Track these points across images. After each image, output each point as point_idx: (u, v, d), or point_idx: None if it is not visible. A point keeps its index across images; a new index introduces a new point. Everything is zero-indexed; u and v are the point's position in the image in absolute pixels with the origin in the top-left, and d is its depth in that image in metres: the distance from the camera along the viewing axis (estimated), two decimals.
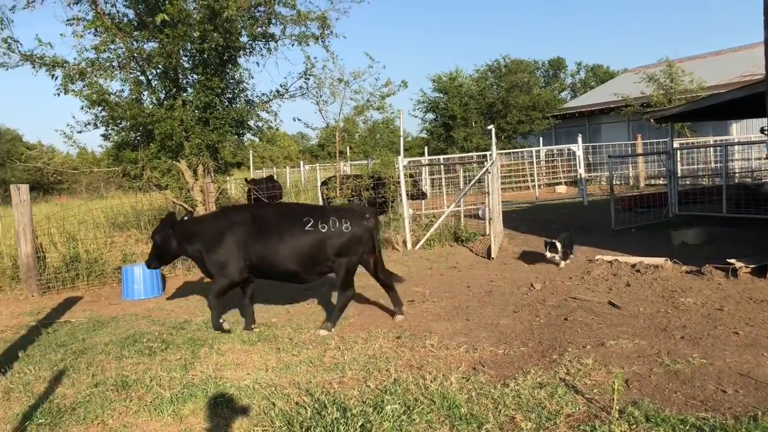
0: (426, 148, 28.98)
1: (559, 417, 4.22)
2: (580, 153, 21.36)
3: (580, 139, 21.90)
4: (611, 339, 5.92)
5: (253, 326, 7.18)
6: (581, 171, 20.98)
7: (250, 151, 30.57)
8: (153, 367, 5.91)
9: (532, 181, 24.27)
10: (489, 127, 12.78)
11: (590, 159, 24.78)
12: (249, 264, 6.98)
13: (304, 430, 4.10)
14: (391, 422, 4.12)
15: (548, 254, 9.81)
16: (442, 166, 20.10)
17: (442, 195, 18.28)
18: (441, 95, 33.22)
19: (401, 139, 14.30)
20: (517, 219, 15.80)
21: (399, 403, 4.49)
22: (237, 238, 6.94)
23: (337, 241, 6.93)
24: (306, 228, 6.90)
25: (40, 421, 4.78)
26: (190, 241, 7.22)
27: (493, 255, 11.05)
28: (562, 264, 9.82)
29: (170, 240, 7.36)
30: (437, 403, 4.52)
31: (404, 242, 12.71)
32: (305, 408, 4.52)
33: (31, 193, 10.82)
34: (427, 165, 20.71)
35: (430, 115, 34.27)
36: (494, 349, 5.89)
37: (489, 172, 12.15)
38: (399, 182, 13.03)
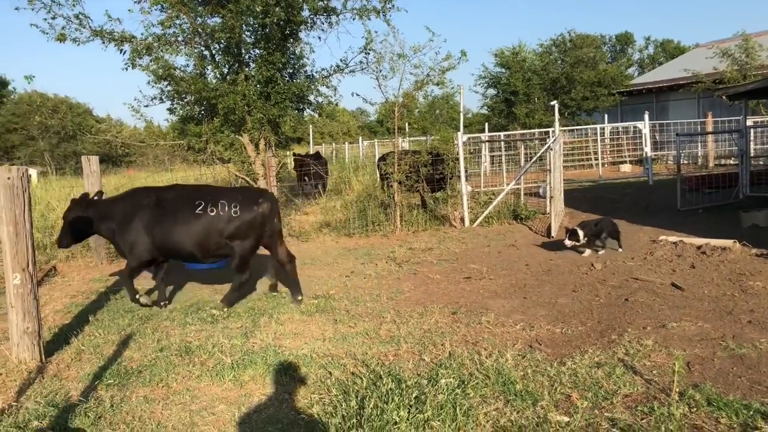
0: (486, 124, 28.59)
1: (616, 397, 4.16)
2: (646, 131, 20.67)
3: (647, 116, 21.18)
4: (673, 321, 5.77)
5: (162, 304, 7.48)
6: (647, 149, 20.32)
7: (310, 127, 30.82)
8: (215, 334, 6.09)
9: (596, 159, 23.63)
10: (552, 103, 12.51)
11: (657, 137, 23.97)
12: (154, 245, 7.12)
13: (359, 399, 4.16)
14: (445, 395, 4.14)
15: (567, 242, 9.18)
16: (502, 143, 19.82)
17: (501, 172, 18.06)
18: (503, 70, 32.62)
19: (461, 114, 14.14)
20: (578, 198, 15.48)
21: (453, 377, 4.51)
22: (143, 220, 7.08)
23: (226, 225, 6.99)
24: (196, 211, 7.00)
25: (109, 381, 5.01)
26: (104, 221, 7.32)
27: (553, 234, 10.88)
28: (587, 253, 9.25)
29: (85, 219, 7.41)
30: (492, 379, 4.51)
31: (462, 219, 12.64)
32: (361, 378, 4.59)
33: (101, 165, 11.20)
34: (487, 141, 20.45)
35: (492, 91, 33.71)
36: (551, 328, 5.83)
37: (551, 149, 11.92)
38: (458, 159, 12.92)
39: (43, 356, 5.59)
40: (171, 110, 11.87)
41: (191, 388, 4.82)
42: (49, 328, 6.58)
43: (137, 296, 7.40)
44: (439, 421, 3.81)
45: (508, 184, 13.97)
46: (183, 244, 7.06)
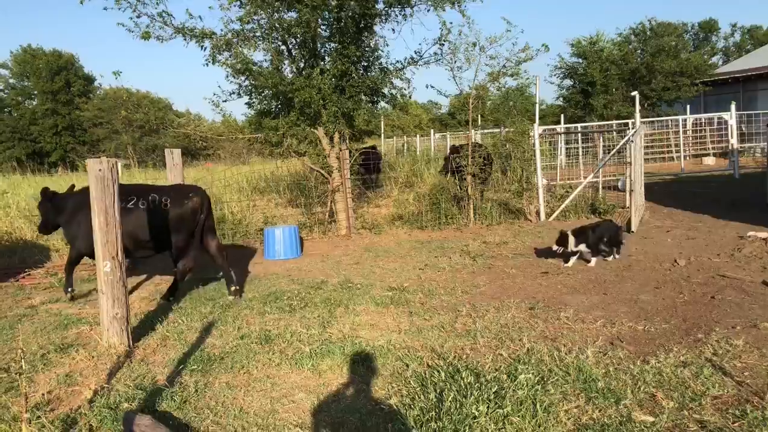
0: (562, 116, 27.95)
1: (704, 398, 4.00)
2: (732, 122, 19.74)
3: (733, 107, 20.20)
4: (765, 320, 5.49)
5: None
6: (733, 141, 19.41)
7: (381, 120, 30.93)
8: (293, 323, 6.21)
9: (677, 151, 22.76)
10: (633, 93, 12.09)
11: (744, 129, 22.85)
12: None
13: (438, 392, 4.15)
14: (525, 390, 4.08)
15: (554, 247, 8.33)
16: (579, 135, 19.33)
17: (577, 165, 17.62)
18: (580, 60, 31.79)
19: (536, 106, 13.85)
20: (659, 192, 14.95)
21: (532, 373, 4.43)
22: (85, 215, 7.16)
23: (158, 219, 7.25)
24: (128, 206, 7.19)
25: (193, 367, 5.18)
26: (59, 214, 7.75)
27: (633, 228, 10.54)
28: (593, 261, 8.34)
29: (50, 211, 7.86)
30: (572, 376, 4.42)
31: (537, 213, 12.42)
32: (438, 371, 4.58)
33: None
34: (563, 133, 19.99)
35: (568, 82, 32.92)
36: (633, 325, 5.65)
37: (632, 141, 11.54)
38: (534, 151, 12.70)
39: (130, 341, 5.83)
40: (249, 104, 12.16)
41: (271, 376, 4.93)
42: (135, 314, 6.85)
43: (70, 289, 7.82)
44: (519, 416, 3.76)
45: (585, 177, 13.62)
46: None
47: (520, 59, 12.16)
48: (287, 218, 13.30)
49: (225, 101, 11.93)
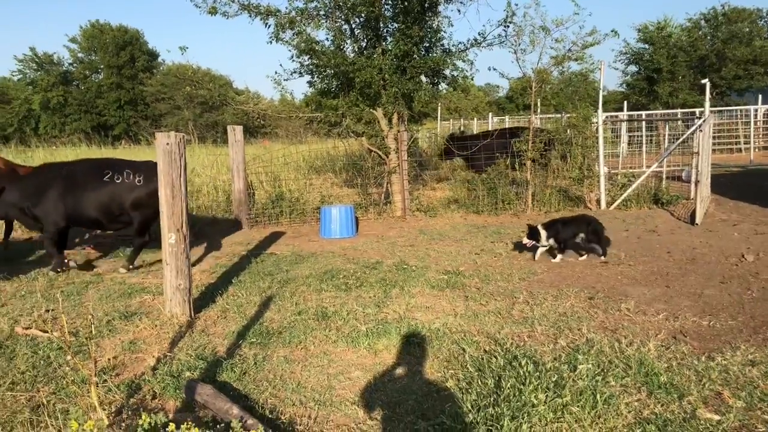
0: (625, 102, 27.21)
1: None
2: None
3: None
4: None
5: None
6: None
7: (439, 102, 30.66)
8: (349, 302, 6.26)
9: (746, 143, 21.89)
10: (703, 81, 11.61)
11: None
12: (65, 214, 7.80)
13: (495, 378, 4.13)
14: (585, 381, 4.02)
15: (525, 240, 8.03)
16: (643, 123, 18.79)
17: (640, 154, 17.15)
18: (646, 46, 30.86)
19: (600, 92, 13.48)
20: (726, 183, 14.43)
21: (592, 364, 4.36)
22: (54, 190, 7.75)
23: (130, 193, 7.74)
24: (104, 179, 7.73)
25: (252, 340, 5.29)
26: (24, 198, 7.92)
27: (697, 220, 10.21)
28: (558, 258, 8.04)
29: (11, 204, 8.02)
30: (633, 369, 4.32)
31: (597, 201, 12.15)
32: (495, 357, 4.55)
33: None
34: (627, 121, 19.46)
35: (632, 68, 32.05)
36: (698, 320, 5.49)
37: (700, 131, 11.14)
38: (597, 138, 12.41)
39: (192, 312, 5.99)
40: (310, 83, 12.24)
41: (328, 352, 4.99)
42: (196, 286, 7.03)
43: (59, 269, 7.95)
44: (578, 406, 3.70)
45: (648, 167, 13.24)
46: (89, 211, 7.87)
47: (587, 43, 11.86)
48: (343, 198, 13.39)
49: (286, 80, 12.06)
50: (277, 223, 11.68)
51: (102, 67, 63.58)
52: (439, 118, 32.70)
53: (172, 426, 3.31)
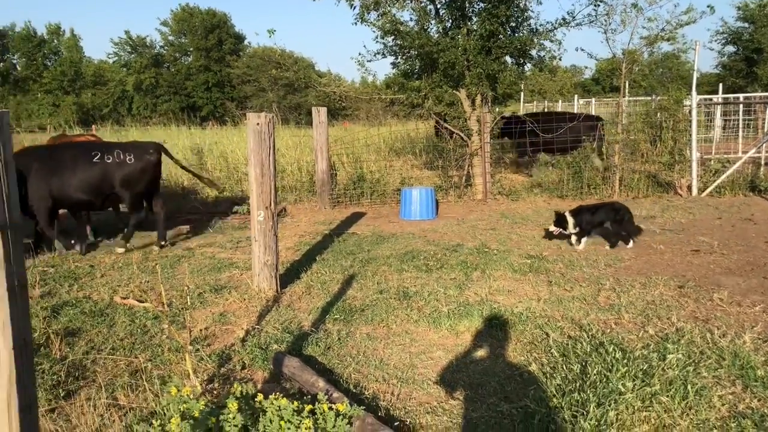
0: (720, 85, 25.87)
1: None
2: None
3: None
4: None
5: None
6: None
7: (522, 83, 30.00)
8: (430, 283, 6.29)
9: None
10: None
11: None
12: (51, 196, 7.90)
13: (581, 364, 4.05)
14: (675, 371, 3.89)
15: (552, 228, 7.86)
16: (740, 106, 17.81)
17: (736, 139, 16.29)
18: (746, 25, 29.14)
19: (694, 73, 12.85)
20: None
21: (682, 353, 4.21)
22: (34, 172, 7.82)
23: (121, 172, 7.96)
24: (94, 160, 7.90)
25: (336, 316, 5.40)
26: None
27: None
28: (581, 245, 7.82)
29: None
30: (727, 360, 4.15)
31: (689, 187, 11.66)
32: (581, 343, 4.47)
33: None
34: (723, 104, 18.50)
35: (730, 48, 30.37)
36: None
37: None
38: (690, 121, 11.87)
39: (278, 287, 6.17)
40: (394, 64, 12.25)
41: (409, 331, 5.04)
42: (281, 262, 7.20)
43: (64, 250, 8.11)
44: (667, 396, 3.60)
45: (745, 152, 12.57)
46: (79, 192, 8.00)
47: (681, 23, 11.35)
48: (423, 180, 13.40)
49: (369, 61, 12.10)
50: (357, 204, 11.82)
51: (191, 49, 65.68)
52: (522, 100, 32.04)
53: (260, 396, 3.44)
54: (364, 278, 6.57)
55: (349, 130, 25.27)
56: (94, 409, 3.66)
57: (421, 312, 5.44)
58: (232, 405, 3.19)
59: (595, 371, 3.88)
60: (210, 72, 64.48)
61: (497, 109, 12.95)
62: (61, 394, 3.97)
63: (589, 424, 3.35)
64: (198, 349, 4.66)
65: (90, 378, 4.25)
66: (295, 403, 3.36)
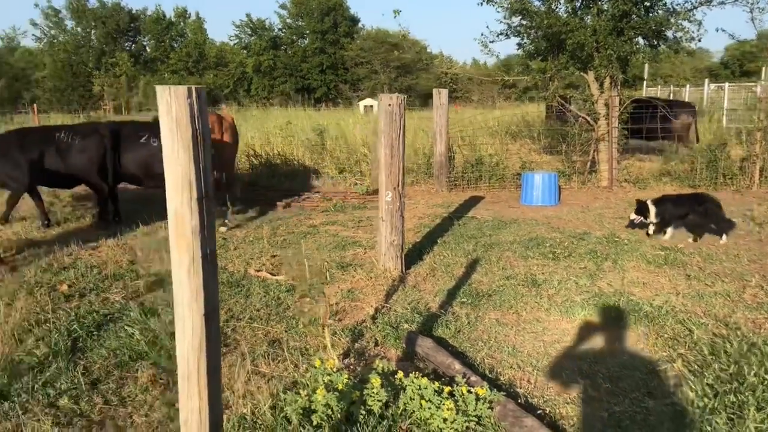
0: None
1: None
2: None
3: None
4: None
5: None
6: None
7: (645, 66, 28.50)
8: (558, 271, 6.11)
9: None
10: None
11: None
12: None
13: (734, 365, 3.79)
14: None
15: (633, 216, 7.60)
16: None
17: None
18: None
19: None
20: None
21: None
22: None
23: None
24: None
25: (462, 299, 5.36)
26: None
27: None
28: (667, 236, 7.44)
29: None
30: None
31: None
32: (730, 342, 4.19)
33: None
34: None
35: None
36: None
37: None
38: None
39: (403, 267, 6.20)
40: (520, 45, 11.94)
41: (540, 320, 4.91)
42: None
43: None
44: None
45: None
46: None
47: None
48: (542, 165, 13.04)
49: (492, 42, 11.85)
50: (475, 188, 11.68)
51: (308, 32, 67.22)
52: (644, 83, 30.50)
53: (400, 374, 3.46)
54: (488, 263, 6.47)
55: (459, 112, 25.06)
56: (239, 377, 3.82)
57: (551, 300, 5.30)
58: (375, 380, 3.22)
59: (752, 372, 3.61)
60: (325, 54, 65.81)
61: (626, 93, 12.34)
62: None
63: (748, 429, 3.13)
64: (330, 324, 4.75)
65: (232, 345, 4.44)
66: (436, 383, 3.35)
